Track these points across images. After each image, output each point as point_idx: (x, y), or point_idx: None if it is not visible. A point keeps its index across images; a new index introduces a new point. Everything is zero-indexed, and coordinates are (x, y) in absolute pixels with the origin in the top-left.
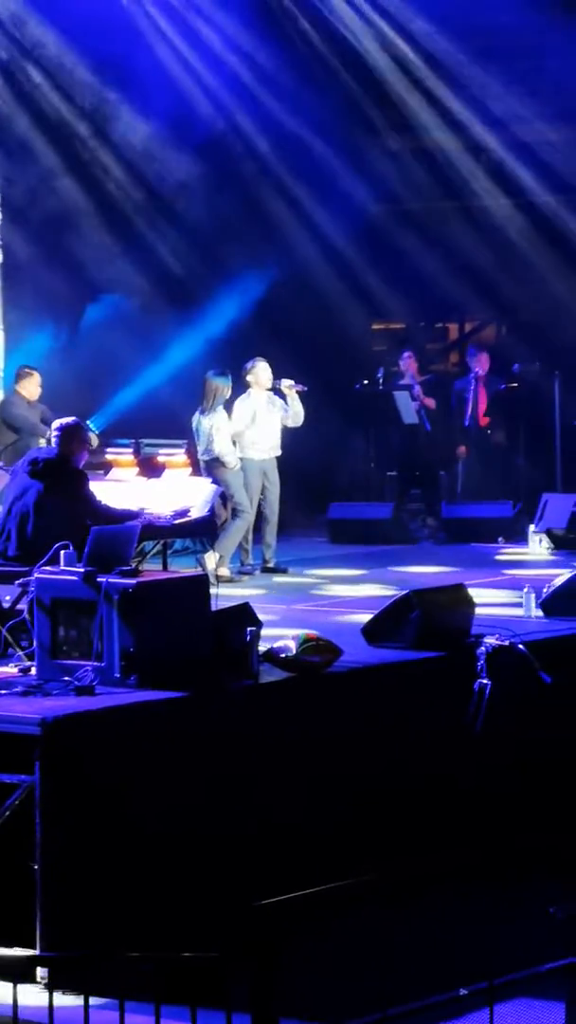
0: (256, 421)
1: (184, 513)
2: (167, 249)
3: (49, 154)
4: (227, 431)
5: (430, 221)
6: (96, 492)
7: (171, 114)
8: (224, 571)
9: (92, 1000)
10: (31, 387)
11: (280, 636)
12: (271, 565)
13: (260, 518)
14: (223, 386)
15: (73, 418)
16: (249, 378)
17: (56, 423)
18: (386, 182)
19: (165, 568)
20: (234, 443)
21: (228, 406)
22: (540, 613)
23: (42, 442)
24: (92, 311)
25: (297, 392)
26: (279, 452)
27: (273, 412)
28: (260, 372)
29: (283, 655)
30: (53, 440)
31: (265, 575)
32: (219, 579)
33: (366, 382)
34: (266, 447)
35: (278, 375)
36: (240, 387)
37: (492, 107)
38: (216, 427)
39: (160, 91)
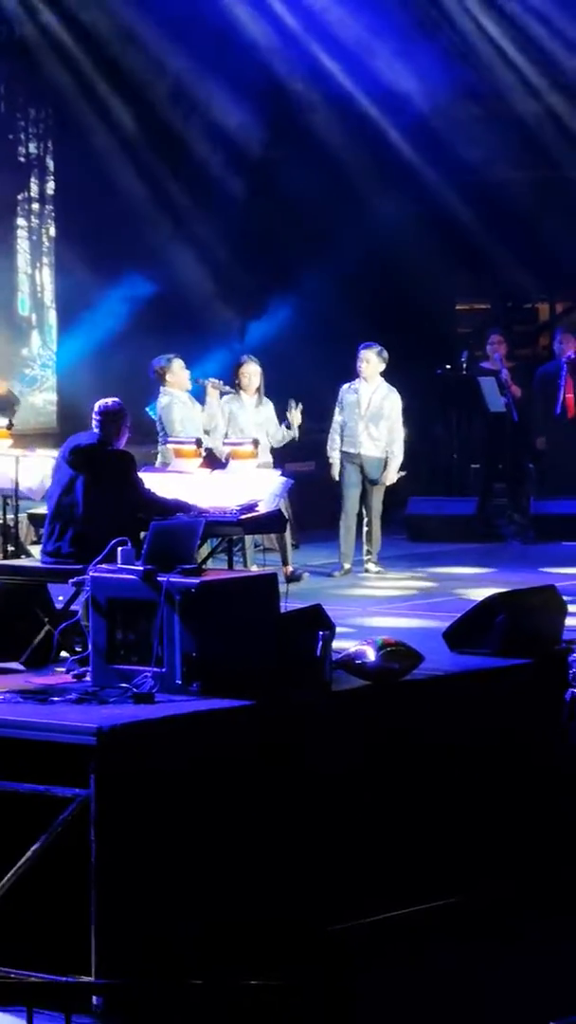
0: None
1: (251, 507)
2: (239, 224)
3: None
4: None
5: (519, 194)
6: (154, 484)
7: (256, 78)
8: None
9: None
10: (180, 376)
11: (355, 641)
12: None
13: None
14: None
15: (115, 400)
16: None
17: (97, 404)
18: (474, 152)
19: (231, 567)
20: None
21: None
22: None
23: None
24: (152, 289)
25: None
26: None
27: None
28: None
29: (358, 661)
30: (94, 423)
31: (343, 577)
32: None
33: (448, 367)
34: None
35: (353, 357)
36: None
37: None
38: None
39: (239, 51)
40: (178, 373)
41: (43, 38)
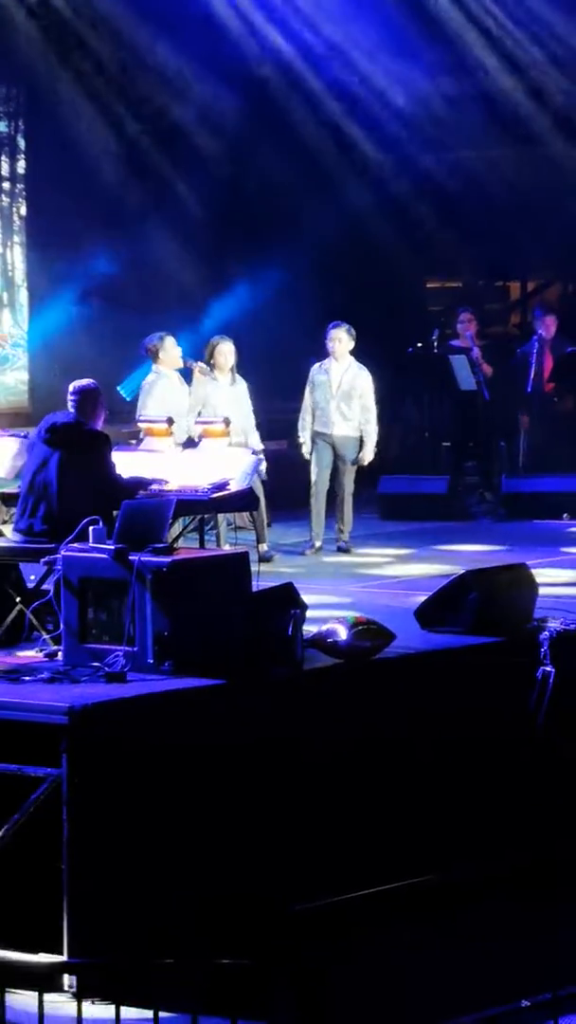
0: None
1: (223, 486)
2: (210, 201)
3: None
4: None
5: (489, 170)
6: (128, 463)
7: (220, 56)
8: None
9: (124, 1010)
10: (172, 354)
11: (326, 619)
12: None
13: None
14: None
15: (90, 380)
16: None
17: (73, 385)
18: (444, 129)
19: (202, 545)
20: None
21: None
22: None
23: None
24: (122, 268)
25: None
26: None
27: None
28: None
29: (330, 640)
30: (70, 403)
31: (314, 555)
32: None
33: (420, 345)
34: None
35: (322, 337)
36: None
37: (556, 48)
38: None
39: (212, 32)
40: (170, 351)
41: (14, 15)
